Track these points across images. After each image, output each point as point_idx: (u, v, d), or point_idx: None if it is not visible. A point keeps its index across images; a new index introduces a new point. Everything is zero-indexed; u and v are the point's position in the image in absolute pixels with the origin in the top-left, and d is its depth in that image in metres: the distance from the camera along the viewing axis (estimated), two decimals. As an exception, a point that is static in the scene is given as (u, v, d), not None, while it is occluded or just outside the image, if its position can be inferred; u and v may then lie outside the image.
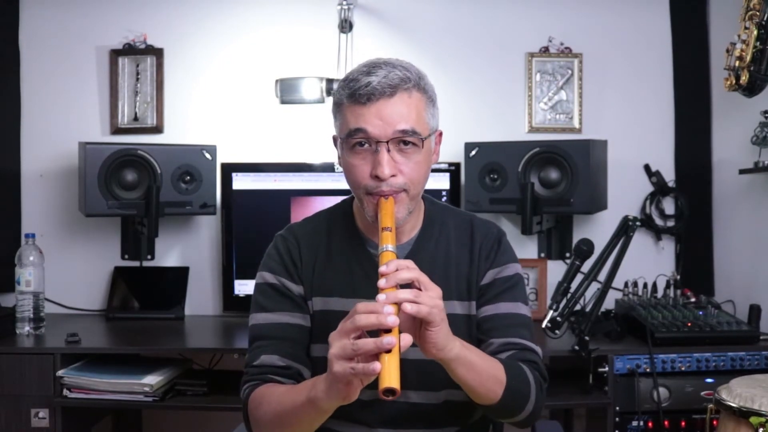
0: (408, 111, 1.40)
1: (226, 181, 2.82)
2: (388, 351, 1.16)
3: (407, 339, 1.19)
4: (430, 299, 1.23)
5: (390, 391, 1.14)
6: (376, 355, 1.16)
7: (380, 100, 1.38)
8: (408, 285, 1.26)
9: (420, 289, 1.25)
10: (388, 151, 1.39)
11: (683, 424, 2.31)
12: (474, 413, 1.56)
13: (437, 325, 1.24)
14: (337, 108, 1.46)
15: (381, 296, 1.21)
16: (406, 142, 1.40)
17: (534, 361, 1.48)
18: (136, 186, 2.70)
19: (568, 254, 2.88)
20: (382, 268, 1.25)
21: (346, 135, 1.42)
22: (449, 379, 1.37)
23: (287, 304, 1.52)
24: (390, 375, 1.14)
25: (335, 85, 2.70)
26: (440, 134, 1.53)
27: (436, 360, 1.30)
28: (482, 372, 1.35)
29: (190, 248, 2.97)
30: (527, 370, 1.44)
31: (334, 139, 1.52)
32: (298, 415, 1.33)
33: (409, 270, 1.25)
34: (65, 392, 2.30)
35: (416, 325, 1.26)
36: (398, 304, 1.20)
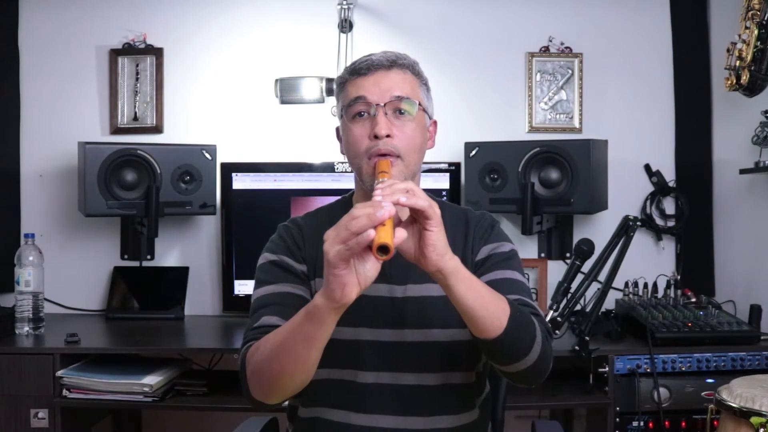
0: (403, 82, 1.49)
1: (226, 181, 2.82)
2: (382, 225, 1.16)
3: (401, 232, 1.19)
4: (425, 197, 1.24)
5: (384, 249, 1.14)
6: (369, 249, 1.16)
7: (378, 72, 1.48)
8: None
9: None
10: (386, 114, 1.46)
11: (684, 424, 2.31)
12: (474, 401, 1.55)
13: (436, 225, 1.23)
14: (340, 87, 1.54)
15: (377, 193, 1.23)
16: (401, 112, 1.47)
17: (537, 314, 1.44)
18: (136, 186, 2.70)
19: (568, 254, 2.87)
20: (378, 185, 1.27)
21: (347, 104, 1.49)
22: (447, 361, 1.38)
23: (290, 277, 1.51)
24: (384, 234, 1.14)
25: (334, 85, 2.73)
26: (435, 123, 1.58)
27: (435, 273, 1.27)
28: (484, 294, 1.31)
29: (189, 248, 2.97)
30: (530, 316, 1.40)
31: (337, 130, 1.57)
32: (296, 338, 1.29)
33: (405, 183, 1.25)
34: (65, 392, 2.30)
35: (414, 235, 1.25)
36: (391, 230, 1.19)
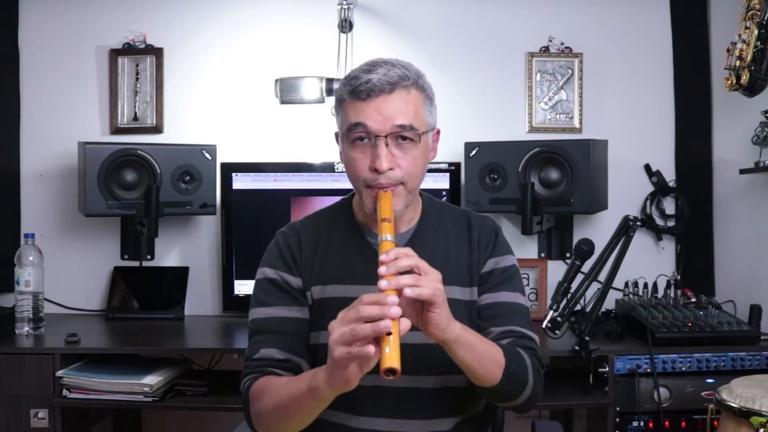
0: (406, 107, 1.45)
1: (226, 181, 2.82)
2: (388, 334, 1.19)
3: (406, 323, 1.23)
4: (430, 282, 1.27)
5: (391, 371, 1.18)
6: (375, 341, 1.20)
7: (380, 96, 1.43)
8: (408, 272, 1.29)
9: (420, 275, 1.28)
10: (387, 145, 1.44)
11: (684, 424, 2.31)
12: (472, 403, 1.56)
13: (439, 307, 1.28)
14: (339, 104, 1.50)
15: (383, 282, 1.24)
16: (403, 138, 1.45)
17: (532, 348, 1.52)
18: (136, 186, 2.70)
19: (568, 254, 2.87)
20: (382, 257, 1.27)
21: (347, 129, 1.47)
22: (447, 364, 1.40)
23: (286, 298, 1.54)
24: (390, 356, 1.18)
25: (335, 85, 2.73)
26: (438, 132, 1.57)
27: (438, 342, 1.34)
28: (482, 354, 1.38)
29: (190, 248, 2.97)
30: (525, 356, 1.48)
31: (336, 135, 1.56)
32: (298, 405, 1.35)
33: (408, 257, 1.28)
34: (65, 392, 2.29)
35: (417, 309, 1.29)
36: (399, 291, 1.24)
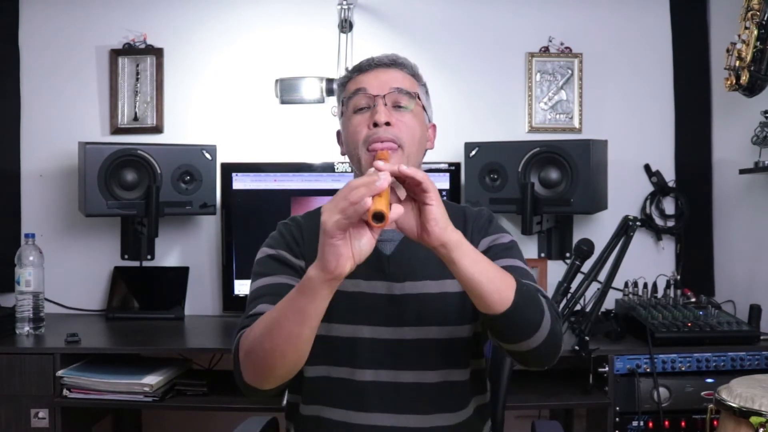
0: (403, 79, 1.53)
1: (226, 181, 2.82)
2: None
3: (398, 208, 1.20)
4: (423, 172, 1.24)
5: (379, 217, 1.14)
6: (366, 225, 1.18)
7: (379, 68, 1.53)
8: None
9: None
10: (385, 105, 1.49)
11: (683, 424, 2.31)
12: (473, 398, 1.55)
13: (434, 197, 1.23)
14: (341, 87, 1.57)
15: (379, 162, 1.23)
16: (400, 106, 1.49)
17: (544, 295, 1.40)
18: (136, 186, 2.70)
19: (568, 254, 2.88)
20: (378, 163, 1.23)
21: (348, 97, 1.52)
22: (446, 359, 1.38)
23: (287, 270, 1.51)
24: (379, 203, 1.15)
25: (335, 85, 2.73)
26: (434, 126, 1.61)
27: (439, 247, 1.25)
28: (489, 267, 1.29)
29: (190, 248, 2.97)
30: (537, 293, 1.37)
31: (338, 134, 1.58)
32: (288, 314, 1.26)
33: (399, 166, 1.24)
34: (65, 392, 2.30)
35: (415, 215, 1.25)
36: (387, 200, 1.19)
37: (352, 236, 1.19)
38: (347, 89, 1.55)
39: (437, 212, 1.23)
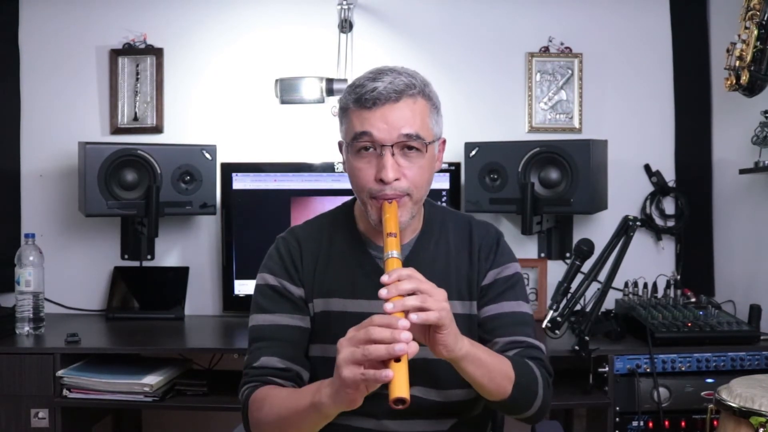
0: (413, 116, 1.42)
1: (226, 181, 2.82)
2: (397, 360, 1.15)
3: (414, 347, 1.19)
4: (436, 303, 1.24)
5: (400, 401, 1.14)
6: (384, 362, 1.17)
7: (386, 105, 1.40)
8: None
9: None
10: (393, 155, 1.41)
11: (683, 424, 2.31)
12: (475, 407, 1.56)
13: (446, 328, 1.26)
14: (343, 113, 1.47)
15: (388, 305, 1.21)
16: (410, 147, 1.42)
17: (539, 357, 1.50)
18: (136, 186, 2.70)
19: (568, 254, 2.88)
20: (384, 278, 1.24)
21: (352, 138, 1.43)
22: (454, 378, 1.38)
23: (287, 305, 1.52)
24: (400, 384, 1.14)
25: (335, 85, 2.73)
26: (444, 142, 1.55)
27: (446, 360, 1.31)
28: (491, 368, 1.36)
29: (190, 248, 2.97)
30: (534, 367, 1.46)
31: (340, 144, 1.52)
32: (300, 419, 1.33)
33: (411, 280, 1.25)
34: (65, 392, 2.30)
35: (424, 329, 1.27)
36: (405, 312, 1.21)
37: (368, 385, 1.20)
38: (350, 123, 1.43)
39: (447, 340, 1.27)
